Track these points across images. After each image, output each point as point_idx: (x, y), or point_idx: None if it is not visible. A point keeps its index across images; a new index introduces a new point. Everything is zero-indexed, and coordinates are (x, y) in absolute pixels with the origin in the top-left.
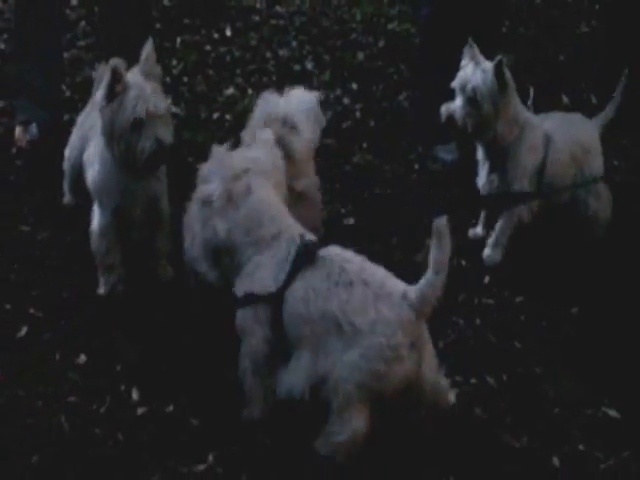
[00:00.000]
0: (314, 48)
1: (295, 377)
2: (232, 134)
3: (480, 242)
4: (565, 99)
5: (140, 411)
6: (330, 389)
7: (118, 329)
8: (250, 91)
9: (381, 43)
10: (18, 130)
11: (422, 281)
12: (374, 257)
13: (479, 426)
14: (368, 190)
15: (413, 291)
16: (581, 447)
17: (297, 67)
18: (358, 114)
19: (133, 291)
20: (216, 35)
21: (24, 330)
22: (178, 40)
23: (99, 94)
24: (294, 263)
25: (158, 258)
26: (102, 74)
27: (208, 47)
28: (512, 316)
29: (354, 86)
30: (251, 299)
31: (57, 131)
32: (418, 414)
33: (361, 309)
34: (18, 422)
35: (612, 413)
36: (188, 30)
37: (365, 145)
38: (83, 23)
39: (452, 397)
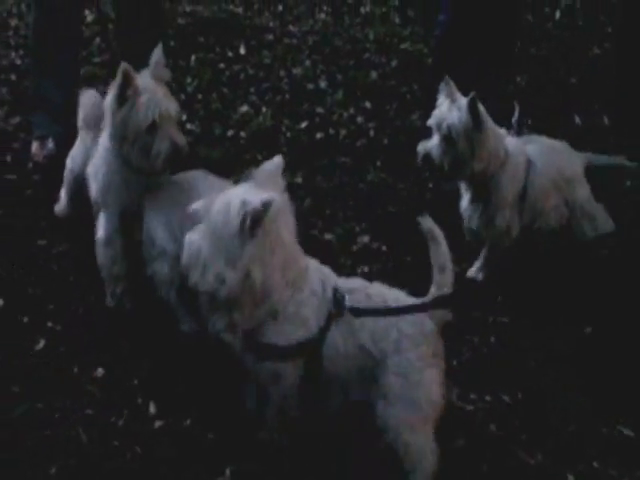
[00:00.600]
0: (327, 67)
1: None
2: (246, 151)
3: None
4: (577, 120)
5: (157, 424)
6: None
7: (135, 342)
8: (264, 109)
9: (394, 63)
10: (35, 145)
11: (432, 288)
12: (388, 275)
13: (494, 443)
14: (382, 208)
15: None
16: (596, 465)
17: (310, 86)
18: (372, 133)
19: (146, 302)
20: (230, 53)
21: (42, 343)
22: (193, 58)
23: (108, 98)
24: (329, 315)
25: None
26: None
27: (222, 65)
28: (527, 334)
29: (367, 105)
30: (297, 349)
31: (73, 146)
32: None
33: (385, 335)
34: (36, 434)
35: (627, 432)
36: (202, 48)
37: (379, 163)
38: (98, 40)
39: None
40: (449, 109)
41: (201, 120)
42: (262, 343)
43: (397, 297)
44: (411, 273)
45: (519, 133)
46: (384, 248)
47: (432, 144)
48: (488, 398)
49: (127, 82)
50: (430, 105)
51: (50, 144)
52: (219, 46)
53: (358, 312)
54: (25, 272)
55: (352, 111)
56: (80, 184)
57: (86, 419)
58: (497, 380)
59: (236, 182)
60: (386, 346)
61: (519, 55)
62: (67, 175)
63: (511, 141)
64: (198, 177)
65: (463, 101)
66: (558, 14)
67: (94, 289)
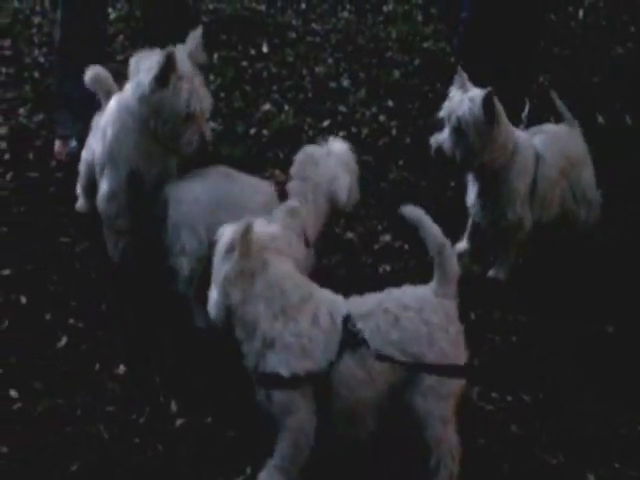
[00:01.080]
0: (350, 65)
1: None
2: (268, 149)
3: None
4: (600, 119)
5: (179, 422)
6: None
7: (156, 340)
8: (286, 107)
9: (416, 61)
10: (58, 144)
11: (435, 273)
12: (410, 274)
13: (515, 443)
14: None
15: (434, 285)
16: (617, 465)
17: (333, 84)
18: (394, 131)
19: (166, 300)
20: (253, 51)
21: (64, 340)
22: (215, 56)
23: (147, 75)
24: (342, 342)
25: None
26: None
27: (245, 63)
28: (548, 334)
29: (390, 104)
30: (302, 380)
31: None
32: None
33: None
34: (58, 431)
35: None
36: (225, 46)
37: (401, 162)
38: (121, 37)
39: None
40: (460, 101)
41: (224, 118)
42: (264, 373)
43: (419, 296)
44: (433, 271)
45: (528, 127)
46: (406, 247)
47: (443, 137)
48: (509, 398)
49: (170, 66)
50: None
51: (73, 143)
52: (242, 44)
53: (382, 358)
54: (47, 270)
55: (374, 110)
56: (94, 174)
57: (107, 416)
58: (518, 380)
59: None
60: (418, 349)
61: (542, 54)
62: (82, 167)
63: (520, 135)
64: (228, 175)
65: (476, 93)
66: (581, 13)
67: (116, 287)
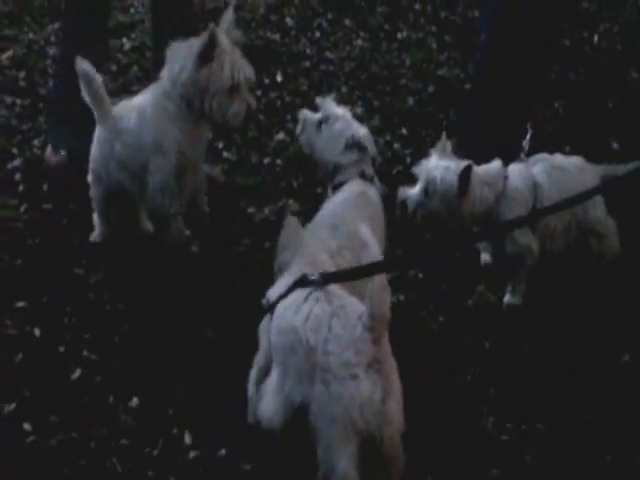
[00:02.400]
0: (364, 93)
1: (266, 402)
2: (282, 179)
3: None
4: (615, 145)
5: (192, 454)
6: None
7: (170, 372)
8: None
9: (430, 89)
10: (49, 150)
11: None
12: (423, 303)
13: (530, 473)
14: (420, 235)
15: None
16: None
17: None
18: (408, 159)
19: (179, 339)
20: (267, 80)
21: (78, 373)
22: None
23: (188, 57)
24: (295, 283)
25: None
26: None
27: (259, 92)
28: (562, 363)
29: (404, 131)
30: (268, 307)
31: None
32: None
33: (317, 326)
34: (71, 464)
35: None
36: None
37: None
38: (135, 68)
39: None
40: (435, 166)
41: (238, 148)
42: None
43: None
44: (447, 301)
45: (529, 155)
46: (420, 276)
47: (411, 193)
48: (523, 427)
49: (213, 43)
50: (467, 131)
51: (63, 152)
52: (256, 73)
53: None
54: (61, 302)
55: (388, 137)
56: (113, 193)
57: (121, 449)
58: (532, 409)
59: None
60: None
61: (557, 79)
62: (96, 192)
63: (514, 167)
64: None
65: (454, 165)
66: (596, 38)
67: (130, 319)
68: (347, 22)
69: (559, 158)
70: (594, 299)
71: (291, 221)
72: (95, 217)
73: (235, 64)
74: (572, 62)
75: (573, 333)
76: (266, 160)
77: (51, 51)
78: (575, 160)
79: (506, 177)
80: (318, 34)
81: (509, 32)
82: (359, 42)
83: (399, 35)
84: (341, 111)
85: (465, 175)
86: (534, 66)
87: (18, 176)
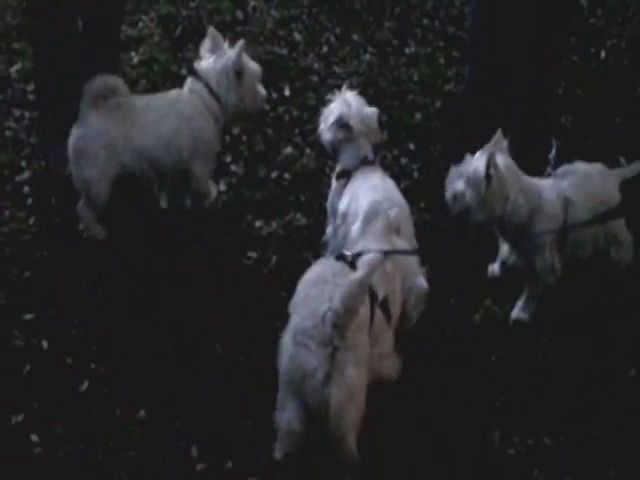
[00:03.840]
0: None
1: None
2: (290, 193)
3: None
4: (622, 161)
5: (199, 467)
6: None
7: (178, 385)
8: (308, 151)
9: (438, 104)
10: (55, 168)
11: None
12: (430, 317)
13: None
14: (427, 249)
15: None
16: None
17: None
18: (416, 174)
19: (188, 349)
20: (275, 95)
21: (85, 385)
22: None
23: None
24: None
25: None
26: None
27: (267, 107)
28: (571, 377)
29: (411, 146)
30: None
31: None
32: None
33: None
34: (79, 476)
35: None
36: None
37: (422, 205)
38: (144, 81)
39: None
40: (477, 158)
41: (245, 161)
42: None
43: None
44: (453, 315)
45: (555, 168)
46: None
47: (458, 185)
48: (530, 442)
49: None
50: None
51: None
52: (264, 88)
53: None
54: (69, 314)
55: (396, 152)
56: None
57: (128, 461)
58: (539, 423)
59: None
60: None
61: (564, 96)
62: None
63: (545, 184)
64: None
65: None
66: (603, 54)
67: (137, 331)
68: (355, 37)
69: (582, 167)
70: (602, 313)
71: None
72: (89, 217)
73: (237, 56)
74: (579, 78)
75: (580, 347)
76: (274, 174)
77: None
78: (597, 167)
79: (540, 194)
80: (326, 49)
81: (498, 46)
82: (367, 57)
83: (407, 50)
84: (346, 94)
85: (490, 160)
86: (524, 80)
87: (26, 189)
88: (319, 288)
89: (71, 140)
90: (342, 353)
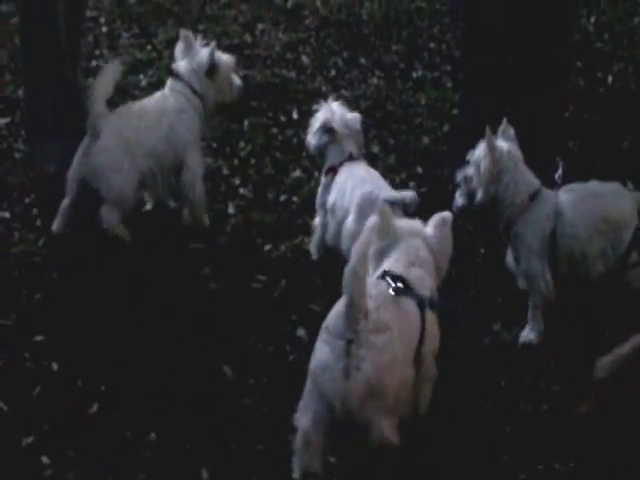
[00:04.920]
0: (379, 132)
1: None
2: (299, 216)
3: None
4: (629, 185)
5: None
6: None
7: (188, 407)
8: (316, 174)
9: (446, 127)
10: (41, 167)
11: None
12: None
13: None
14: None
15: None
16: None
17: (362, 150)
18: (424, 198)
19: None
20: (283, 118)
21: (95, 407)
22: (246, 123)
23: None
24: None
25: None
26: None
27: (275, 130)
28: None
29: (419, 170)
30: None
31: None
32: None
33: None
34: None
35: None
36: (256, 113)
37: None
38: None
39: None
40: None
41: (254, 185)
42: None
43: None
44: (463, 339)
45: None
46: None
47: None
48: (540, 467)
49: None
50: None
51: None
52: (272, 111)
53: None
54: (79, 336)
55: (404, 176)
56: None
57: None
58: (549, 449)
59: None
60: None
61: (570, 120)
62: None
63: (545, 191)
64: None
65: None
66: (610, 79)
67: (148, 354)
68: (362, 60)
69: (594, 185)
70: (614, 337)
71: (386, 210)
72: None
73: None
74: (586, 102)
75: (590, 370)
76: (282, 197)
77: None
78: (613, 186)
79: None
80: (334, 72)
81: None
82: (374, 80)
83: (414, 74)
84: (330, 103)
85: (488, 140)
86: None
87: (35, 211)
88: None
89: (93, 155)
90: (355, 348)
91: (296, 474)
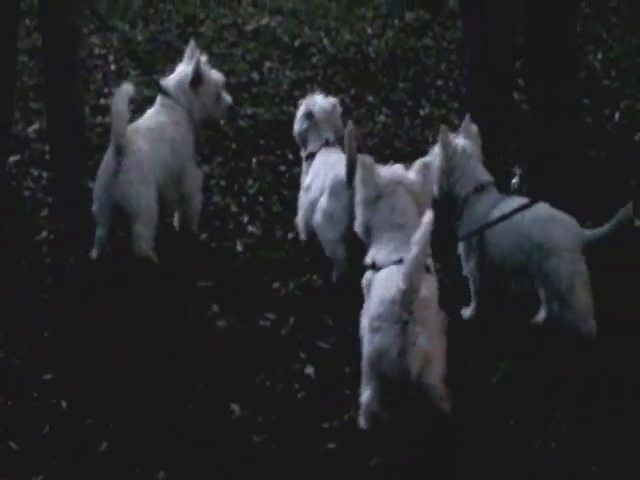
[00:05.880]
0: None
1: None
2: (306, 254)
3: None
4: (637, 222)
5: None
6: None
7: (197, 445)
8: None
9: None
10: None
11: None
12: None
13: None
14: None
15: None
16: None
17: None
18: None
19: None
20: (291, 156)
21: (104, 445)
22: (254, 161)
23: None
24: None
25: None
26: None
27: (283, 167)
28: (588, 445)
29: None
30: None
31: None
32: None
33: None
34: None
35: None
36: (263, 151)
37: (438, 265)
38: None
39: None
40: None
41: (262, 222)
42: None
43: None
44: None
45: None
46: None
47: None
48: None
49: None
50: None
51: None
52: (280, 148)
53: None
54: (87, 374)
55: None
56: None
57: None
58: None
59: None
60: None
61: (578, 156)
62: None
63: (492, 191)
64: None
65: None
66: (617, 115)
67: (155, 392)
68: (370, 98)
69: (541, 207)
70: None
71: (367, 160)
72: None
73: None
74: (594, 139)
75: (601, 407)
76: (290, 235)
77: None
78: (553, 211)
79: (483, 187)
80: (341, 110)
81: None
82: (382, 118)
83: (422, 111)
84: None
85: (442, 136)
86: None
87: (45, 249)
88: (385, 284)
89: (123, 173)
90: (412, 326)
91: (363, 425)
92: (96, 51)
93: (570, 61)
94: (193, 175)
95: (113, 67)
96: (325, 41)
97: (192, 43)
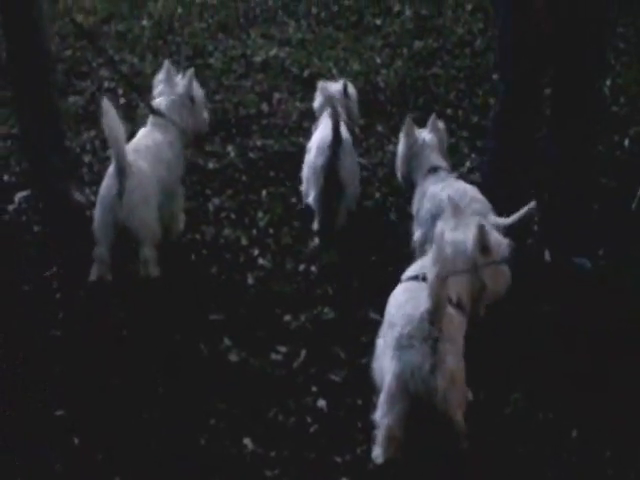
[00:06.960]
0: (397, 200)
1: None
2: (318, 286)
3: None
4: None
5: None
6: None
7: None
8: (336, 244)
9: None
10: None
11: None
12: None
13: None
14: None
15: None
16: None
17: (381, 219)
18: None
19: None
20: (301, 187)
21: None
22: (264, 192)
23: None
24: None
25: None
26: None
27: (294, 199)
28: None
29: None
30: None
31: None
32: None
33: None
34: None
35: None
36: (273, 182)
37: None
38: None
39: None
40: None
41: (273, 255)
42: None
43: None
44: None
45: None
46: None
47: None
48: None
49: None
50: None
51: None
52: (289, 180)
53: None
54: (99, 410)
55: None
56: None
57: None
58: None
59: None
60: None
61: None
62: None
63: (441, 173)
64: None
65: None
66: (627, 142)
67: (167, 427)
68: (379, 128)
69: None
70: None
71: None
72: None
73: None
74: (603, 166)
75: (603, 457)
76: (301, 267)
77: (87, 159)
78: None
79: (435, 170)
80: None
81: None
82: (391, 148)
83: None
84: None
85: (406, 126)
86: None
87: (55, 284)
88: (410, 302)
89: (127, 194)
90: (442, 344)
91: (379, 460)
92: (105, 84)
93: (597, 104)
94: (181, 194)
95: (122, 100)
96: (334, 71)
97: (167, 63)
